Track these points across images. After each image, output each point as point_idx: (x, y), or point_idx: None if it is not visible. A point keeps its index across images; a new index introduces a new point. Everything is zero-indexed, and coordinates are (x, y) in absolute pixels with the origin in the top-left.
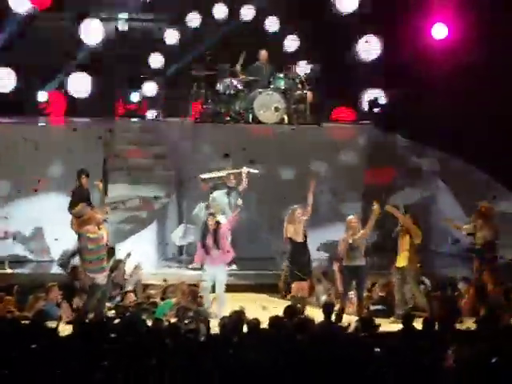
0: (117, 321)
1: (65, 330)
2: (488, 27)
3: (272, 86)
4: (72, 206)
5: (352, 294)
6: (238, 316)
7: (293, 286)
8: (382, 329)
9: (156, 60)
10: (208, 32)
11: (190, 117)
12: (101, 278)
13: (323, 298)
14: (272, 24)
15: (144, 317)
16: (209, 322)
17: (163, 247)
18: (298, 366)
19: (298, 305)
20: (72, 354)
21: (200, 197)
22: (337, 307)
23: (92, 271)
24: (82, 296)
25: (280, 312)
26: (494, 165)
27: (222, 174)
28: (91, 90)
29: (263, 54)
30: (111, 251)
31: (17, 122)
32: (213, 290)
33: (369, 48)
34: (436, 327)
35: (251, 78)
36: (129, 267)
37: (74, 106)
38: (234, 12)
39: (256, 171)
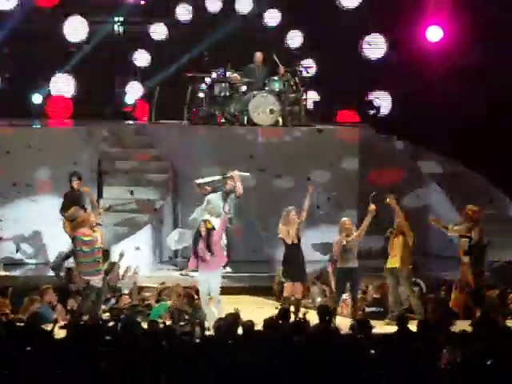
0: (111, 323)
1: (60, 333)
2: (483, 30)
3: (267, 88)
4: (64, 209)
5: (346, 295)
6: (233, 318)
7: (285, 286)
8: (376, 331)
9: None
10: (200, 27)
11: (185, 119)
12: (96, 281)
13: (318, 299)
14: (272, 18)
15: (139, 319)
16: (204, 324)
17: (158, 250)
18: (292, 367)
19: (291, 306)
20: (67, 356)
21: (195, 200)
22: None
23: (87, 274)
24: (77, 298)
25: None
26: (490, 168)
27: (215, 178)
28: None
29: (258, 55)
30: (105, 253)
31: (12, 125)
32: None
33: (374, 47)
34: (430, 329)
35: (246, 79)
36: (122, 268)
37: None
38: (229, 5)
39: (247, 174)
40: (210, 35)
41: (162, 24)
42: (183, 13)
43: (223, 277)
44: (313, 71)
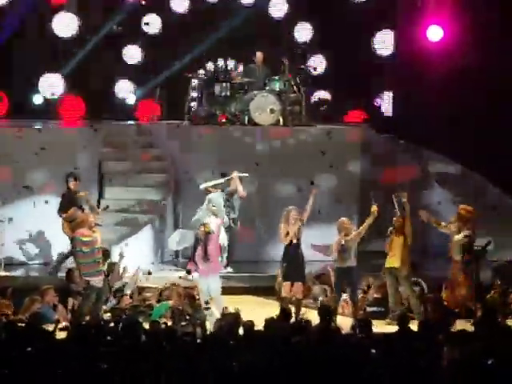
0: (112, 324)
1: (61, 334)
2: (483, 29)
3: (267, 88)
4: (62, 210)
5: (347, 295)
6: (234, 318)
7: (283, 286)
8: (377, 330)
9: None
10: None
11: (186, 119)
12: (96, 281)
13: (320, 299)
14: (278, 9)
15: (140, 319)
16: (205, 324)
17: (160, 250)
18: (293, 367)
19: (288, 306)
20: (68, 356)
21: (196, 200)
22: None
23: (88, 275)
24: (77, 298)
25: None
26: (490, 167)
27: (219, 181)
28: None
29: (258, 55)
30: (106, 254)
31: (14, 125)
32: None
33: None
34: (431, 329)
35: (246, 79)
36: (122, 268)
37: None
38: None
39: (245, 175)
40: (209, 31)
41: (155, 15)
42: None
43: (224, 277)
44: (320, 70)
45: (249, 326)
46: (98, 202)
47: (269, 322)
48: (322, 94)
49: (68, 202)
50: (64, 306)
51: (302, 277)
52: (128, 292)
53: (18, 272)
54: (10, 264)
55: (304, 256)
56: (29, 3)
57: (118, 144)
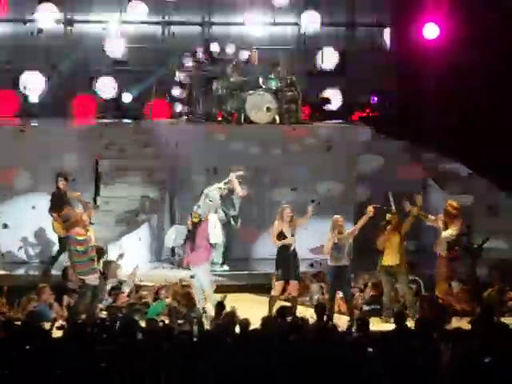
0: (108, 322)
1: (57, 332)
2: (480, 27)
3: (264, 87)
4: (52, 209)
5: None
6: (230, 317)
7: (275, 285)
8: (374, 328)
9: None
10: None
11: (183, 117)
12: (92, 279)
13: (316, 297)
14: None
15: (136, 317)
16: (202, 322)
17: (156, 248)
18: (290, 365)
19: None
20: (65, 354)
21: (193, 198)
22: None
23: (83, 273)
24: (73, 296)
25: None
26: (488, 164)
27: (221, 184)
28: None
29: (253, 54)
30: (100, 252)
31: (10, 124)
32: None
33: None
34: (428, 327)
35: (242, 78)
36: (121, 268)
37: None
38: None
39: (240, 173)
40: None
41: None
42: None
43: (221, 275)
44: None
45: (245, 324)
46: (95, 200)
47: (266, 321)
48: (330, 92)
49: (58, 202)
50: (59, 304)
51: (297, 275)
52: (126, 290)
53: (16, 270)
54: (8, 262)
55: (297, 254)
56: None
57: (115, 142)
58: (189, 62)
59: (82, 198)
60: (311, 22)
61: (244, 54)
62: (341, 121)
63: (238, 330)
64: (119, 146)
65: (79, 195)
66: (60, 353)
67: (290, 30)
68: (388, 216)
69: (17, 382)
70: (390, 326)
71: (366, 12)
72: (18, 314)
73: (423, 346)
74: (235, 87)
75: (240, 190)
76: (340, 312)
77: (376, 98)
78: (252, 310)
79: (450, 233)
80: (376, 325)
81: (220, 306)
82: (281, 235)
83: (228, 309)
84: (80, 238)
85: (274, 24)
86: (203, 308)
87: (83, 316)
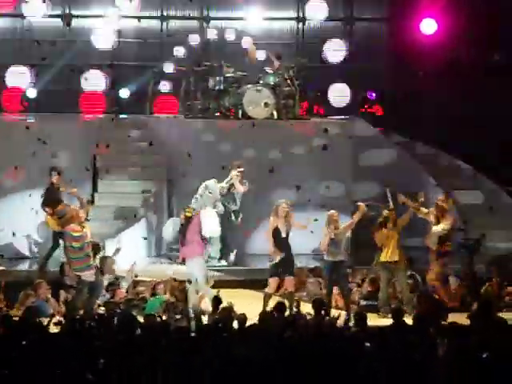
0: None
1: (54, 328)
2: (477, 23)
3: (261, 82)
4: (45, 203)
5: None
6: (228, 312)
7: (269, 282)
8: (371, 323)
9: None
10: None
11: (180, 112)
12: (88, 275)
13: (313, 292)
14: None
15: (134, 313)
16: (200, 318)
17: (154, 243)
18: (288, 361)
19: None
20: (63, 350)
21: (191, 193)
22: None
23: (79, 270)
24: (70, 292)
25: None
26: (481, 158)
27: (222, 185)
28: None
29: (251, 50)
30: (97, 248)
31: (7, 119)
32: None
33: None
34: (425, 322)
35: (240, 73)
36: (117, 263)
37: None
38: None
39: (241, 169)
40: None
41: None
42: None
43: (219, 270)
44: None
45: (242, 319)
46: (92, 196)
47: (263, 316)
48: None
49: (51, 196)
50: (56, 300)
51: (292, 271)
52: (125, 286)
53: (12, 266)
54: (8, 258)
55: (292, 250)
56: None
57: (113, 138)
58: (181, 53)
59: (78, 195)
60: (316, 12)
61: (244, 42)
62: (342, 117)
63: (235, 325)
64: (117, 142)
65: (76, 191)
66: (58, 348)
67: (289, 25)
68: (385, 212)
69: (15, 377)
70: (388, 322)
71: (363, 6)
72: (16, 310)
73: (420, 341)
74: (232, 82)
75: (240, 188)
76: (337, 307)
77: (374, 94)
78: (251, 305)
79: (442, 227)
80: (373, 320)
81: (216, 300)
82: (276, 231)
83: (225, 304)
84: (76, 234)
85: (273, 19)
86: (193, 304)
87: (81, 312)
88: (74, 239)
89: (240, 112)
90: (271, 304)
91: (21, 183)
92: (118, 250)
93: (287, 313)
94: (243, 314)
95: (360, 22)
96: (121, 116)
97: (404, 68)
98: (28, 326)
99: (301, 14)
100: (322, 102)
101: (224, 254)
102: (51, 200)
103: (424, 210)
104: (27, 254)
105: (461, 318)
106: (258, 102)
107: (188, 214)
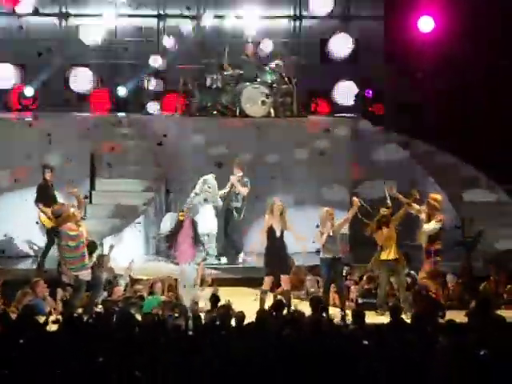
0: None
1: (52, 326)
2: (475, 20)
3: (259, 80)
4: (38, 200)
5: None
6: (226, 310)
7: (264, 280)
8: (369, 321)
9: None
10: None
11: (178, 110)
12: (85, 274)
13: (312, 290)
14: None
15: (132, 311)
16: (199, 316)
17: (152, 241)
18: (286, 359)
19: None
20: (60, 348)
21: (189, 192)
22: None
23: (75, 269)
24: (68, 290)
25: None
26: (480, 156)
27: (225, 190)
28: None
29: (249, 47)
30: (93, 246)
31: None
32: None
33: None
34: (423, 320)
35: (237, 71)
36: (111, 259)
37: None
38: None
39: (240, 174)
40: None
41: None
42: None
43: (217, 268)
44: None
45: (240, 317)
46: (90, 194)
47: (261, 314)
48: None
49: (44, 193)
50: (53, 298)
51: (286, 269)
52: (122, 284)
53: (9, 265)
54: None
55: (287, 247)
56: None
57: (110, 136)
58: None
59: (78, 194)
60: (320, 7)
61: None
62: (342, 115)
63: (233, 323)
64: (114, 140)
65: (76, 191)
66: (56, 346)
67: (287, 23)
68: (383, 210)
69: (14, 376)
70: (385, 320)
71: (361, 4)
72: (13, 308)
73: (418, 339)
74: (230, 80)
75: (242, 190)
76: (334, 305)
77: (371, 92)
78: (249, 303)
79: (433, 225)
80: (371, 318)
81: (214, 298)
82: (270, 230)
83: (223, 302)
84: (72, 233)
85: (270, 17)
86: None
87: (79, 310)
88: (71, 238)
89: (237, 109)
90: (268, 302)
91: (20, 181)
92: (111, 247)
93: (285, 311)
94: (241, 312)
95: (357, 20)
96: (118, 114)
97: (402, 66)
98: (25, 325)
99: (297, 12)
100: (327, 100)
101: (227, 253)
102: (44, 197)
103: (416, 206)
104: (26, 252)
105: (459, 316)
106: (255, 99)
107: (181, 218)
